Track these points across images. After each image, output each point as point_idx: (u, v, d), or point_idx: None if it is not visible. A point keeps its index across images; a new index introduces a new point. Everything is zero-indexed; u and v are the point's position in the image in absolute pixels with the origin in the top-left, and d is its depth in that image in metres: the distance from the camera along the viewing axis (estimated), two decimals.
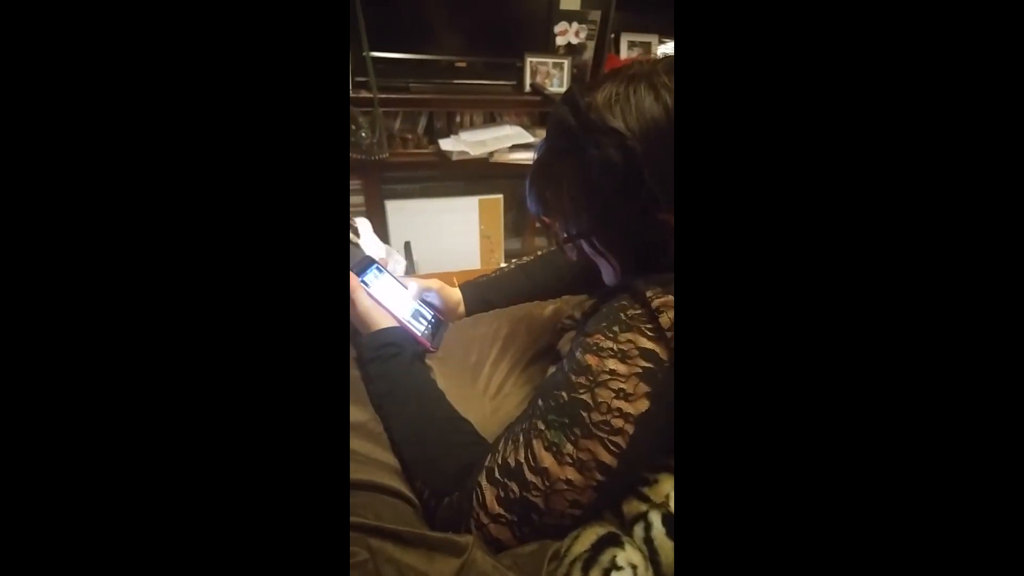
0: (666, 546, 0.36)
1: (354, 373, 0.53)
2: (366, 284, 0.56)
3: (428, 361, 0.56)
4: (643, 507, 0.39)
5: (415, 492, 0.44)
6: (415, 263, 1.52)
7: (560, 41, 1.44)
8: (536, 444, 0.38)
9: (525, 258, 0.73)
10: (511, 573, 0.36)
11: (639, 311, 0.37)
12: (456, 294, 0.66)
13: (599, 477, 0.37)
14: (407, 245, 1.55)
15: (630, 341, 0.37)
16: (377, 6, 1.21)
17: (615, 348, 0.37)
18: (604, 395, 0.36)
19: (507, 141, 1.44)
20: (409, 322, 0.56)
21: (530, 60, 1.42)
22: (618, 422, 0.36)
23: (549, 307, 0.66)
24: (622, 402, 0.36)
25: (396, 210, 1.53)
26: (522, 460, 0.38)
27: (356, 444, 0.45)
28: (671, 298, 0.36)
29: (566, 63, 1.44)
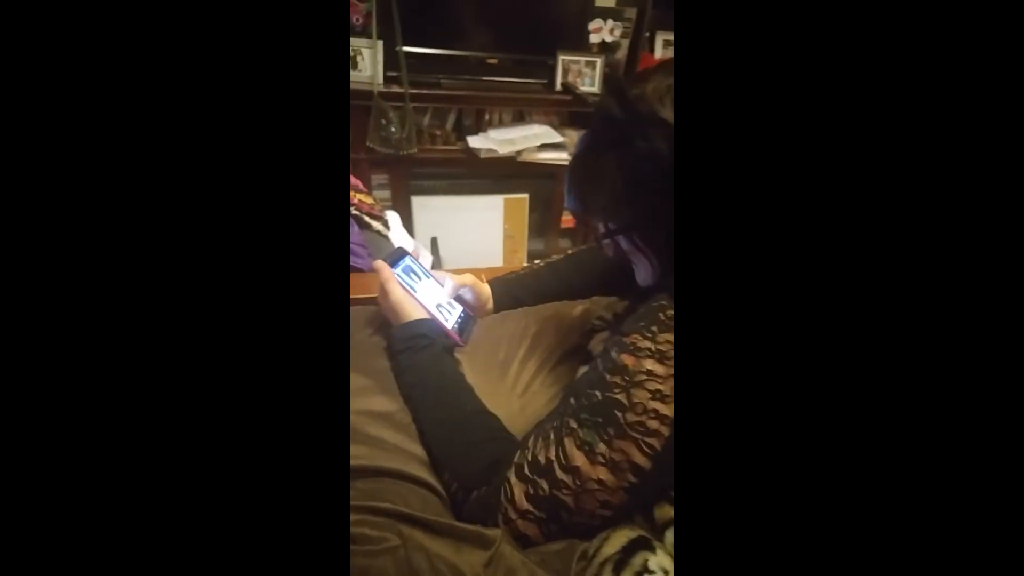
0: None
1: (384, 363, 0.54)
2: (400, 276, 0.56)
3: (456, 355, 0.56)
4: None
5: (442, 484, 0.44)
6: (441, 259, 1.52)
7: (594, 38, 1.43)
8: (568, 442, 0.37)
9: (554, 256, 0.72)
10: (539, 569, 0.35)
11: None
12: (486, 290, 0.66)
13: (631, 479, 0.36)
14: (434, 241, 1.56)
15: (669, 342, 0.36)
16: (410, 1, 1.22)
17: (653, 348, 0.36)
18: (640, 396, 0.36)
19: (535, 140, 1.44)
20: (439, 315, 0.56)
21: (562, 58, 1.41)
22: (653, 424, 0.35)
23: (578, 307, 0.65)
24: (658, 403, 0.35)
25: (421, 206, 1.54)
26: (553, 458, 0.38)
27: (384, 433, 0.45)
28: None
29: (599, 61, 1.43)
